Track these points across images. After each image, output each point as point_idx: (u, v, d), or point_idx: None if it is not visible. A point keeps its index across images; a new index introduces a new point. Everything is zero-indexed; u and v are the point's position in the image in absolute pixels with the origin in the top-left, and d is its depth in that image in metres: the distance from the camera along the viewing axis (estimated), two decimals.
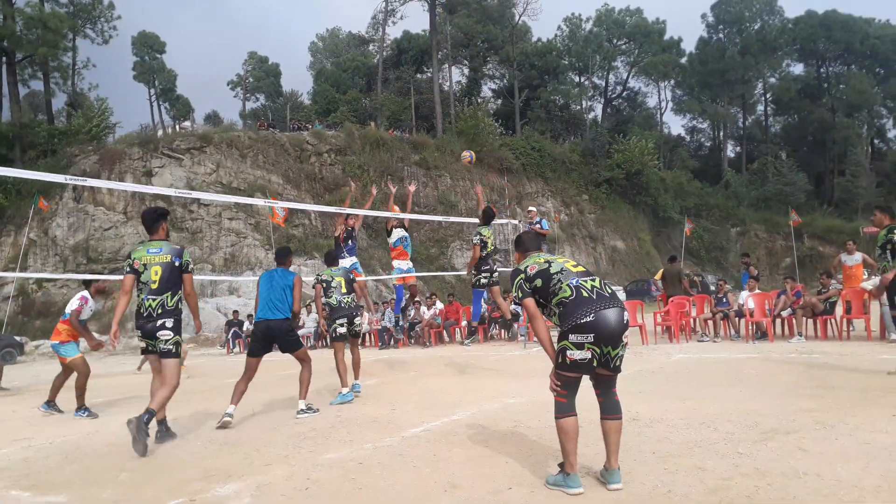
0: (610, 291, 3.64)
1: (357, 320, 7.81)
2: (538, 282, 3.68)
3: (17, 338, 22.01)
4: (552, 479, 3.67)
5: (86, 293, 7.99)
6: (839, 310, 11.56)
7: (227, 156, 33.07)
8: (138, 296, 5.57)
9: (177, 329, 5.55)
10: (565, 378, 3.62)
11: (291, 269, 7.02)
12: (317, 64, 68.60)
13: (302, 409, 6.54)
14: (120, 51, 54.64)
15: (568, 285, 3.60)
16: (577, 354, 3.51)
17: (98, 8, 43.17)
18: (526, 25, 59.63)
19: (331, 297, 7.67)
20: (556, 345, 3.65)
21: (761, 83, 62.39)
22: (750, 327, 11.86)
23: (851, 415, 4.99)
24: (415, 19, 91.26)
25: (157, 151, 31.73)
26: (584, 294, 3.55)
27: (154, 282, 5.48)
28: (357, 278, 8.43)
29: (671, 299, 13.24)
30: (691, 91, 61.85)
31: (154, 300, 5.47)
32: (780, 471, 3.68)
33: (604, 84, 63.15)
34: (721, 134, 64.78)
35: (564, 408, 3.67)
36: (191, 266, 5.74)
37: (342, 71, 58.80)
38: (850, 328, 11.13)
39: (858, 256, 12.23)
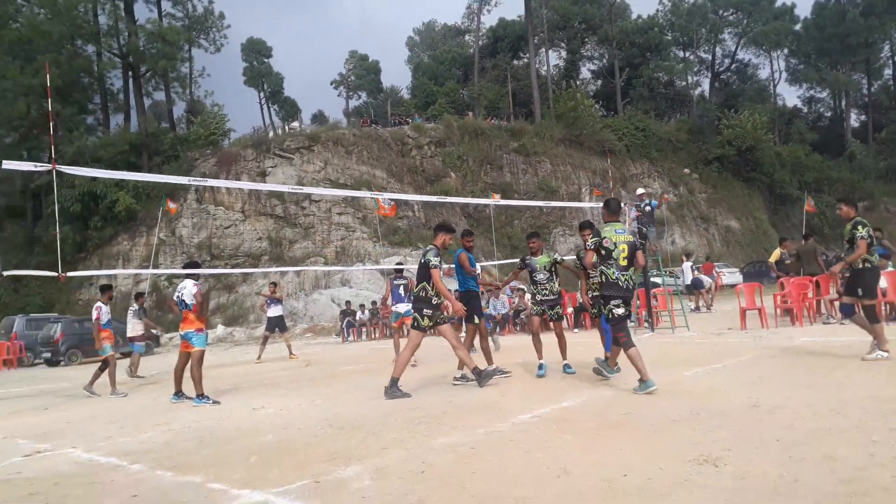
0: (633, 284, 6.51)
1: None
2: (603, 251, 6.29)
3: (154, 331, 23.80)
4: (640, 389, 6.06)
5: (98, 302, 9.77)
6: None
7: (334, 153, 34.25)
8: None
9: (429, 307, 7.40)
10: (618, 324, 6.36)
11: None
12: (414, 58, 69.51)
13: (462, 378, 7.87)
14: (230, 57, 57.53)
15: (613, 272, 6.27)
16: (618, 310, 6.28)
17: (210, 19, 45.77)
18: (624, 3, 57.80)
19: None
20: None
21: (888, 45, 57.21)
22: (883, 308, 11.02)
23: None
24: (510, 5, 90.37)
25: (269, 152, 33.33)
26: (621, 283, 6.29)
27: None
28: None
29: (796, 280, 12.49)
30: (808, 59, 57.75)
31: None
32: None
33: (710, 58, 60.00)
34: (843, 103, 60.16)
35: (627, 343, 6.22)
36: (431, 263, 7.23)
37: (439, 63, 59.25)
38: None
39: None
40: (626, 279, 6.25)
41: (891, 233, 40.30)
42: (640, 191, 15.57)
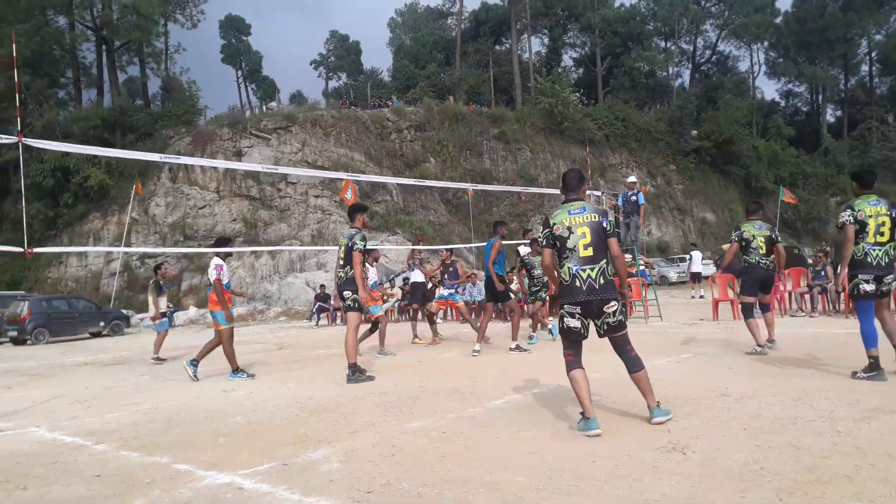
0: (604, 281, 4.32)
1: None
2: (557, 244, 4.40)
3: (123, 311, 23.52)
4: (577, 426, 4.30)
5: (219, 261, 8.15)
6: None
7: (312, 135, 33.89)
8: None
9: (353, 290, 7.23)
10: (565, 340, 4.48)
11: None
12: (396, 40, 68.85)
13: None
14: (208, 34, 56.68)
15: (569, 269, 4.34)
16: (570, 322, 4.38)
17: None
18: None
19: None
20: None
21: (866, 41, 57.96)
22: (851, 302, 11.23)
23: None
24: None
25: (245, 132, 32.88)
26: (577, 284, 4.32)
27: (341, 257, 7.28)
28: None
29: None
30: (787, 53, 58.28)
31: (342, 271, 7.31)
32: (885, 451, 3.48)
33: (691, 49, 60.35)
34: (820, 98, 60.94)
35: (571, 364, 4.40)
36: (356, 246, 7.11)
37: (421, 46, 58.74)
38: None
39: None
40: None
41: None
42: (632, 178, 15.01)
